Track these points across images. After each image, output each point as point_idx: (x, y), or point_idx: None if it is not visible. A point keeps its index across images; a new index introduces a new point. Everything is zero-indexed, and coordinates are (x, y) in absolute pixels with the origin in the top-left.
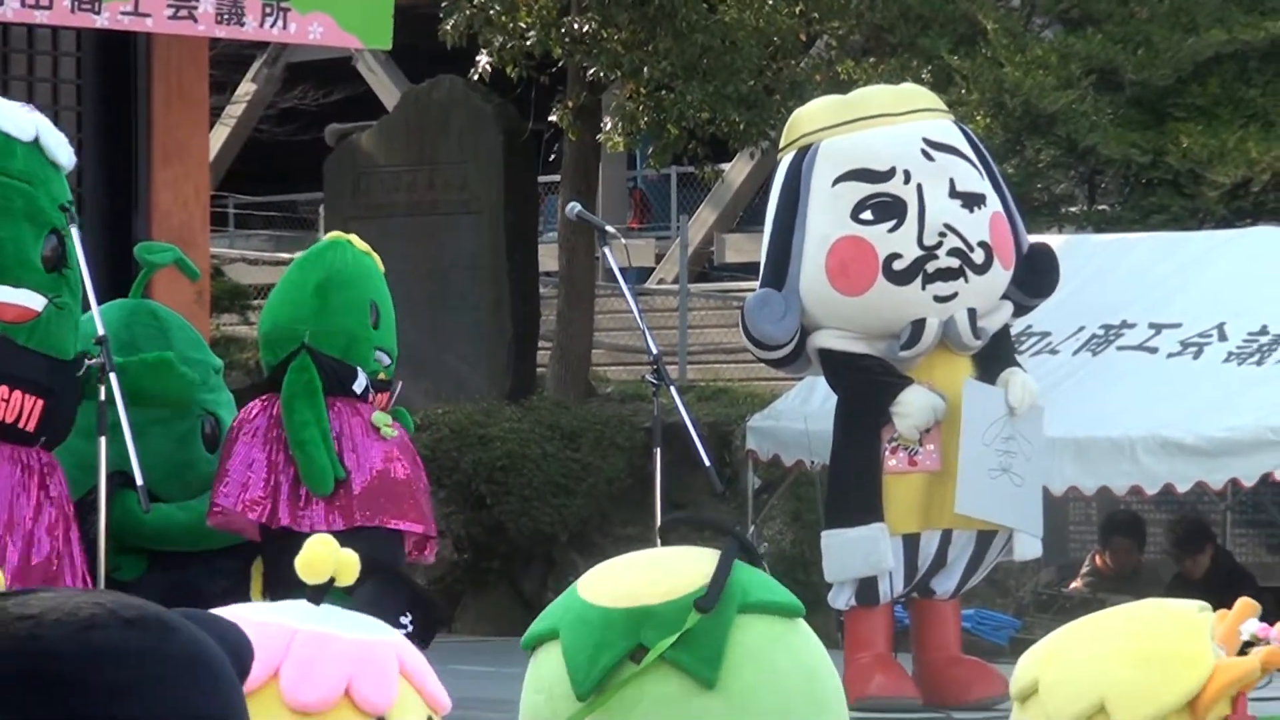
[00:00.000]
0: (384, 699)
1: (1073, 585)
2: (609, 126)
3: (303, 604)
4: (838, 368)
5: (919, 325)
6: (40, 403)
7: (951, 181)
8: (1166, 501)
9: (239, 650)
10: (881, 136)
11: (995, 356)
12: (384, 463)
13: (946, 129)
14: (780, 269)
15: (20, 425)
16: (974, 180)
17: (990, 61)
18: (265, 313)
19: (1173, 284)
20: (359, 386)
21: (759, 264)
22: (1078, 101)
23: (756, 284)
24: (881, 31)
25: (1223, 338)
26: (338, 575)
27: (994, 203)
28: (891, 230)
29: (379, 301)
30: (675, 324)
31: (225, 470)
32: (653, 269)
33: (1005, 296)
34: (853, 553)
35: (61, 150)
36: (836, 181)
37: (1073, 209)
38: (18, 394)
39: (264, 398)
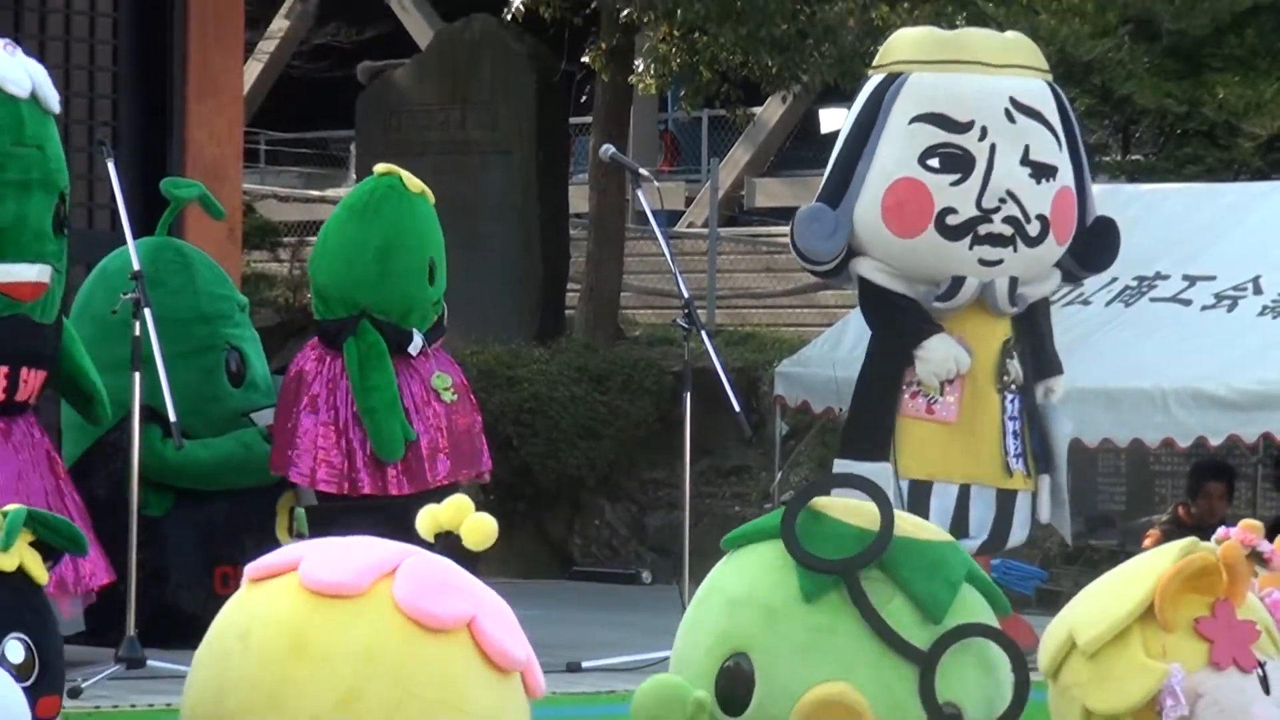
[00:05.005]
0: (518, 652)
1: (1146, 540)
2: (641, 68)
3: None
4: (875, 300)
5: (958, 281)
6: (44, 374)
7: (1026, 148)
8: (1196, 455)
9: None
10: (970, 85)
11: (1033, 321)
12: (446, 417)
13: (1039, 91)
14: (839, 189)
15: (30, 401)
16: (1050, 151)
17: (1025, 8)
18: (321, 261)
19: (1207, 236)
20: (415, 349)
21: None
22: (1114, 50)
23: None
24: None
25: (1258, 291)
26: (469, 539)
27: (1065, 176)
28: (954, 184)
29: (436, 256)
30: (704, 268)
31: (293, 439)
32: (682, 212)
33: (1058, 264)
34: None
35: (53, 98)
36: (913, 120)
37: (1106, 158)
38: (35, 373)
39: (315, 353)
